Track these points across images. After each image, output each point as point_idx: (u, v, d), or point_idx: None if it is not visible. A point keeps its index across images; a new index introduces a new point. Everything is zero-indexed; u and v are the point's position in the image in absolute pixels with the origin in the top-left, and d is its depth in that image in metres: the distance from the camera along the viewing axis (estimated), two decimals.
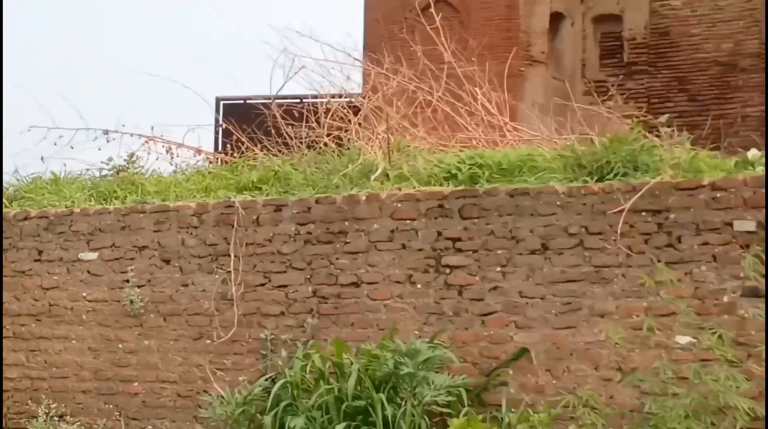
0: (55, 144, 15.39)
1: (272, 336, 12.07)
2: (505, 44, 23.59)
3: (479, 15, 24.56)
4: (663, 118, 12.66)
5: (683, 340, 10.04)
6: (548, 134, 14.64)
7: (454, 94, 16.13)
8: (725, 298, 10.12)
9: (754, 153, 11.20)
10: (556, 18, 25.65)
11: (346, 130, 14.74)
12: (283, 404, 11.07)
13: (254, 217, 12.34)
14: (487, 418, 10.65)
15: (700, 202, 10.34)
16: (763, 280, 9.82)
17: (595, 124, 13.87)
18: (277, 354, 11.99)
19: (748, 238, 10.06)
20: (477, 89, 15.98)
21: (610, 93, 21.37)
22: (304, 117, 15.36)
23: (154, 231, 12.85)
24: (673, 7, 25.31)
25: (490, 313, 11.15)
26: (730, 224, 10.19)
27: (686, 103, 24.77)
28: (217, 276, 12.44)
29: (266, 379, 11.69)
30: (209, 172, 14.86)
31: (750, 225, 10.07)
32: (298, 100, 17.43)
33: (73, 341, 13.19)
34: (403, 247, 11.57)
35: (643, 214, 10.53)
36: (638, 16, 25.61)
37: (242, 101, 24.00)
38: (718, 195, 10.29)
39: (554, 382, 10.79)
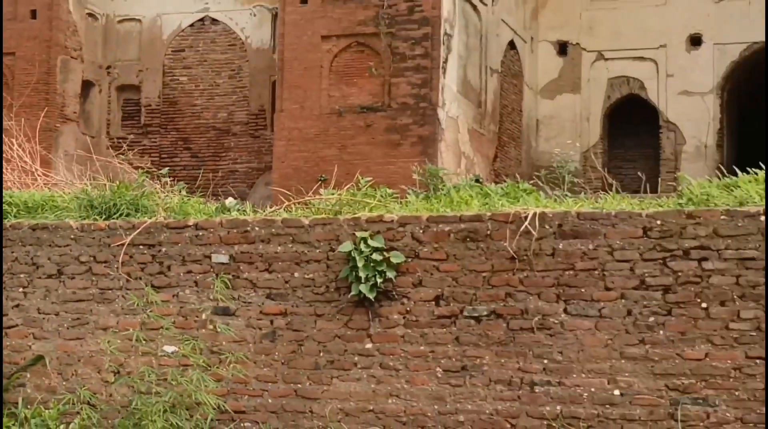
0: None
1: None
2: (42, 104, 23.01)
3: (21, 78, 23.79)
4: (163, 171, 12.70)
5: (169, 349, 9.98)
6: (71, 180, 14.37)
7: None
8: (203, 316, 10.16)
9: (230, 201, 11.35)
10: (86, 84, 25.21)
11: None
12: None
13: None
14: (4, 414, 10.21)
15: (186, 238, 10.35)
16: (230, 302, 9.96)
17: (111, 173, 13.71)
18: None
19: (221, 268, 10.15)
20: (13, 140, 15.56)
21: (127, 148, 21.19)
22: None
23: None
24: (180, 82, 25.48)
25: (13, 327, 10.72)
26: (209, 256, 10.24)
27: (189, 158, 24.99)
28: None
29: None
30: None
31: (224, 258, 10.17)
32: None
33: None
34: None
35: (141, 247, 10.44)
36: (153, 87, 25.62)
37: None
38: (201, 233, 10.32)
39: (64, 383, 10.48)
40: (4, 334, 10.71)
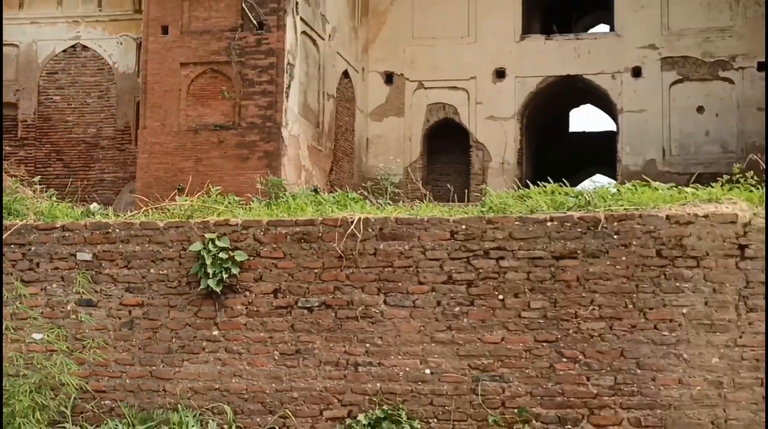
0: None
1: None
2: None
3: None
4: (35, 179, 12.32)
5: (37, 336, 9.65)
6: None
7: None
8: (68, 307, 9.87)
9: (94, 206, 11.08)
10: None
11: None
12: None
13: None
14: None
15: (54, 238, 10.04)
16: (92, 295, 9.71)
17: None
18: None
19: (85, 265, 9.89)
20: None
21: (4, 159, 20.44)
22: None
23: None
24: (54, 100, 24.83)
25: None
26: (74, 255, 9.96)
27: (61, 168, 24.38)
28: None
29: None
30: None
31: (87, 256, 9.91)
32: None
33: None
34: None
35: (12, 246, 10.08)
36: (29, 105, 24.91)
37: None
38: (67, 234, 10.03)
39: None
40: None
